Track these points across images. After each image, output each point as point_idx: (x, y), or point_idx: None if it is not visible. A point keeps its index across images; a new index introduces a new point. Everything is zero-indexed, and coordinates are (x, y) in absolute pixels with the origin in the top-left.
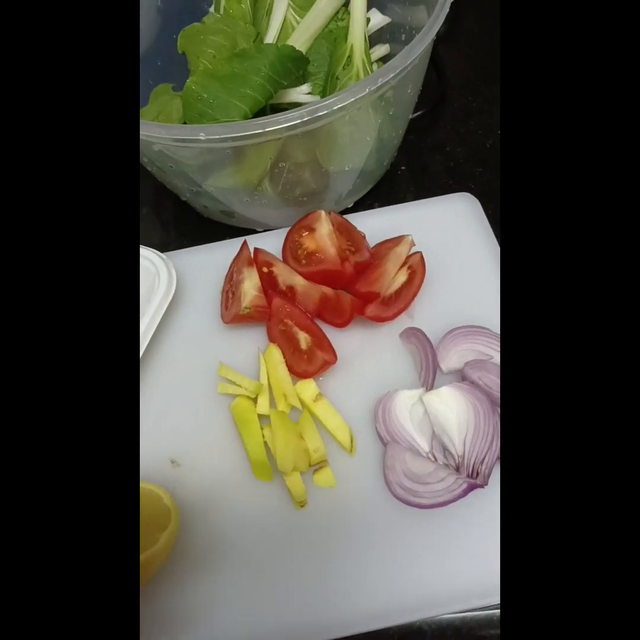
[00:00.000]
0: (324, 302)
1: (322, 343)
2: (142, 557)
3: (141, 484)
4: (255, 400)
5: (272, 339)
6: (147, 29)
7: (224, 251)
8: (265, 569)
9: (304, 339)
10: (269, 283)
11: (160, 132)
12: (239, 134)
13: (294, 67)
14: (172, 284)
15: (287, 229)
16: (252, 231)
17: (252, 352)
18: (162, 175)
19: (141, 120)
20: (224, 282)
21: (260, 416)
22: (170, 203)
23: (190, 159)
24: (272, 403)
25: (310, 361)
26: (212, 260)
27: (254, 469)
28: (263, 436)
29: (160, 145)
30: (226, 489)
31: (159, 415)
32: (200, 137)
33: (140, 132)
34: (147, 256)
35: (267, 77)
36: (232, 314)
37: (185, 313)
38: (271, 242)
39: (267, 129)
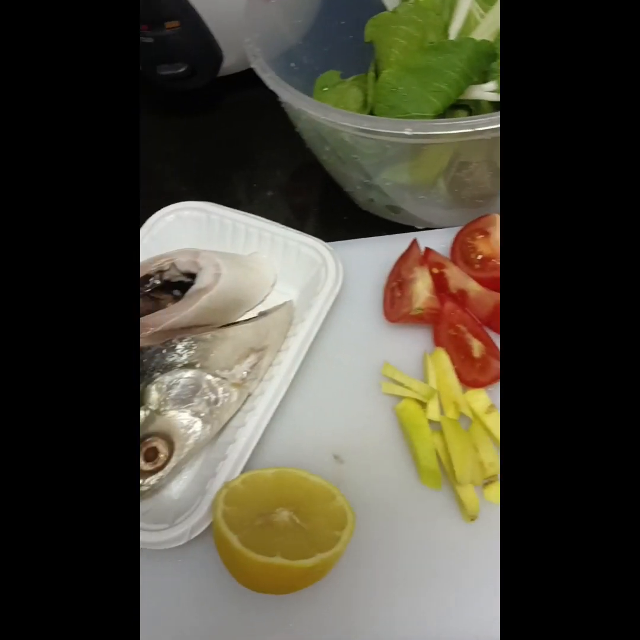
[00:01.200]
0: (497, 311)
1: (495, 352)
2: (323, 556)
3: (313, 478)
4: (422, 404)
5: (439, 343)
6: (308, 12)
7: (387, 246)
8: (429, 578)
9: (477, 346)
10: (438, 285)
11: (360, 123)
12: (449, 132)
13: (486, 63)
14: (339, 276)
15: (451, 229)
16: (412, 228)
17: (415, 354)
18: (337, 165)
19: (334, 108)
20: (388, 278)
21: (429, 422)
22: (330, 192)
23: (371, 151)
24: (441, 409)
25: (482, 370)
26: (374, 254)
27: (423, 475)
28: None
29: (348, 135)
30: (391, 492)
31: (319, 410)
32: (405, 133)
33: (331, 119)
34: (314, 245)
35: (462, 73)
36: (401, 313)
37: (346, 307)
38: (433, 242)
39: (477, 129)
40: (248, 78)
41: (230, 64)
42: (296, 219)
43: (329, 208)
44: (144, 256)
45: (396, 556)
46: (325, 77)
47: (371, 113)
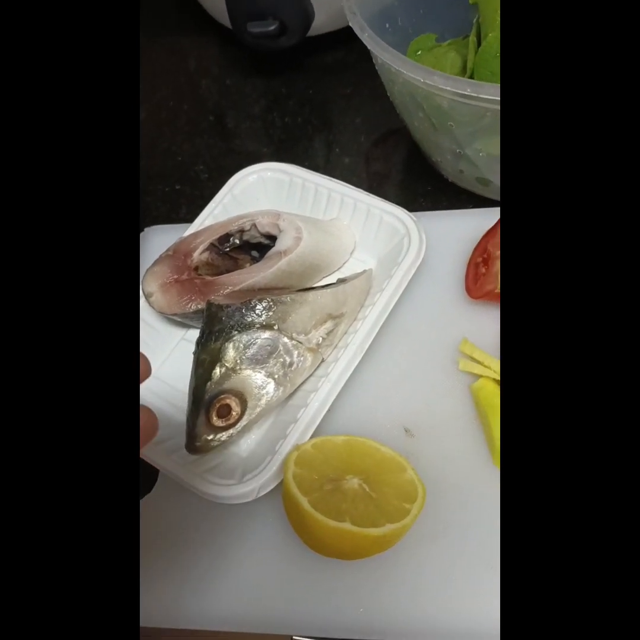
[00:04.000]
0: None
1: None
2: (393, 526)
3: (383, 449)
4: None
5: None
6: None
7: (474, 220)
8: (494, 558)
9: None
10: None
11: (463, 88)
12: None
13: None
14: (422, 248)
15: None
16: (499, 204)
17: (496, 333)
18: (428, 132)
19: (435, 71)
20: (473, 253)
21: None
22: (414, 161)
23: (467, 118)
24: None
25: None
26: (459, 227)
27: (496, 456)
28: None
29: (446, 100)
30: (461, 471)
31: (392, 381)
32: None
33: (431, 82)
34: (397, 214)
35: None
36: (484, 290)
37: (427, 280)
38: None
39: None
40: (335, 39)
41: (319, 23)
42: (377, 187)
43: (412, 177)
44: (224, 215)
45: (463, 535)
46: (420, 40)
47: (471, 79)
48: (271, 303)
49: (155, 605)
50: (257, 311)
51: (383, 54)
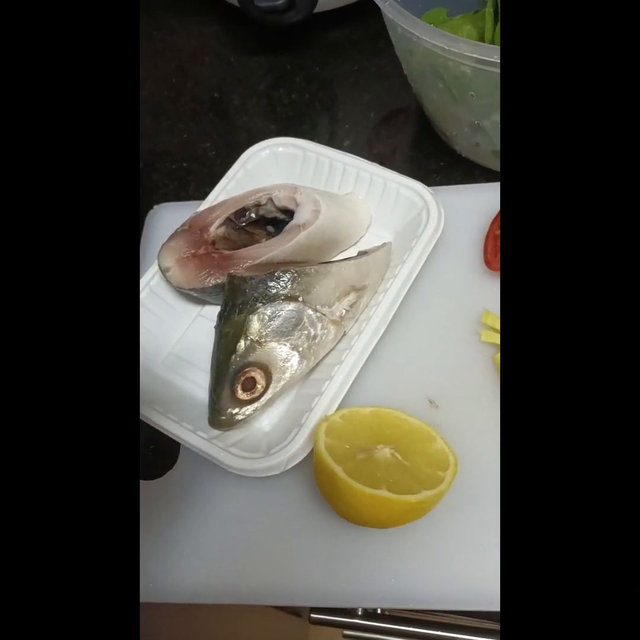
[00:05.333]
0: None
1: None
2: (429, 493)
3: (411, 420)
4: None
5: None
6: None
7: (490, 193)
8: None
9: None
10: None
11: (490, 55)
12: None
13: None
14: (441, 220)
15: None
16: None
17: None
18: (447, 105)
19: (460, 37)
20: (491, 225)
21: None
22: (424, 138)
23: (487, 90)
24: None
25: None
26: (475, 201)
27: None
28: None
29: (470, 68)
30: (486, 442)
31: (415, 354)
32: None
33: (454, 50)
34: (414, 188)
35: None
36: None
37: (445, 253)
38: None
39: None
40: (342, 16)
41: None
42: (387, 163)
43: (424, 154)
44: (237, 190)
45: (492, 505)
46: (431, 15)
47: None
48: (296, 274)
49: (189, 582)
50: (282, 283)
51: (405, 21)
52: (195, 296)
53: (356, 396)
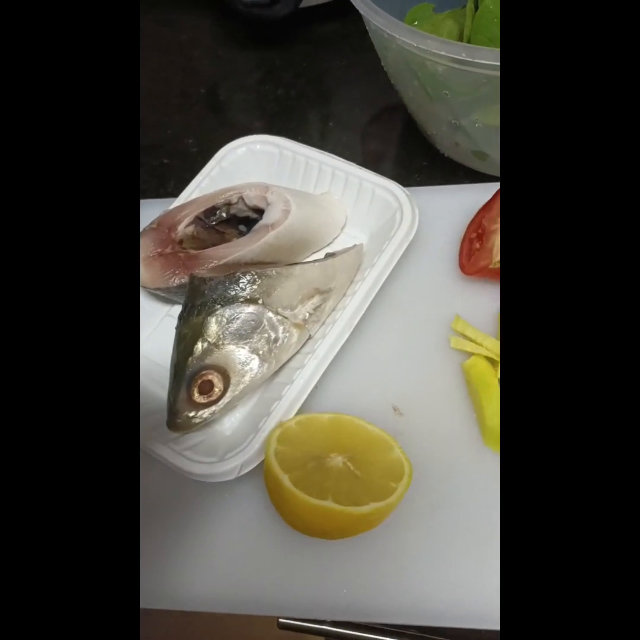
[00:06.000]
0: None
1: None
2: (377, 505)
3: (370, 428)
4: (493, 362)
5: None
6: None
7: (469, 195)
8: (481, 543)
9: None
10: None
11: (458, 53)
12: None
13: None
14: (414, 222)
15: None
16: (496, 179)
17: (490, 310)
18: (424, 103)
19: (429, 34)
20: (468, 228)
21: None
22: (410, 137)
23: (463, 88)
24: None
25: None
26: (453, 202)
27: (487, 436)
28: None
29: (442, 67)
30: (450, 450)
31: (382, 359)
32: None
33: (423, 47)
34: (389, 188)
35: None
36: (478, 266)
37: (420, 256)
38: None
39: None
40: (331, 10)
41: None
42: (372, 162)
43: (408, 153)
44: (211, 188)
45: (450, 516)
46: (417, 10)
47: None
48: (256, 276)
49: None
50: (240, 284)
51: (376, 18)
52: (162, 296)
53: (319, 401)
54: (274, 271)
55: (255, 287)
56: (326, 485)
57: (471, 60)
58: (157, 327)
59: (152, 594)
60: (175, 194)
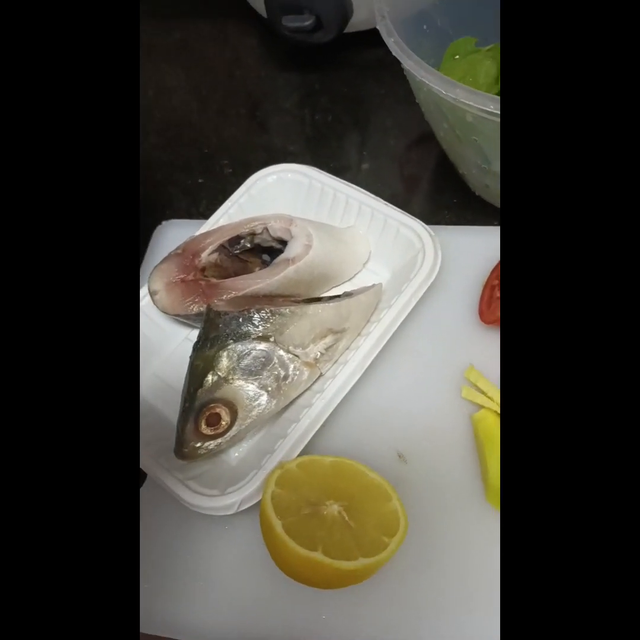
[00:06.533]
0: None
1: None
2: (366, 561)
3: (371, 475)
4: None
5: None
6: None
7: (497, 238)
8: (474, 603)
9: None
10: None
11: (485, 104)
12: None
13: None
14: (436, 265)
15: None
16: None
17: None
18: (454, 144)
19: (460, 83)
20: (490, 275)
21: None
22: (443, 170)
23: (494, 134)
24: None
25: None
26: (480, 245)
27: (489, 494)
28: None
29: (470, 115)
30: (452, 502)
31: (391, 403)
32: None
33: (451, 95)
34: (414, 228)
35: None
36: (496, 315)
37: (440, 298)
38: None
39: None
40: (376, 37)
41: (360, 19)
42: (402, 193)
43: (439, 187)
44: (240, 215)
45: (445, 572)
46: (459, 44)
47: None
48: (269, 314)
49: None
50: (254, 321)
51: (407, 61)
52: (182, 321)
53: (326, 440)
54: (288, 310)
55: (268, 325)
56: (318, 535)
57: (498, 112)
58: (175, 350)
59: (143, 618)
60: (206, 214)
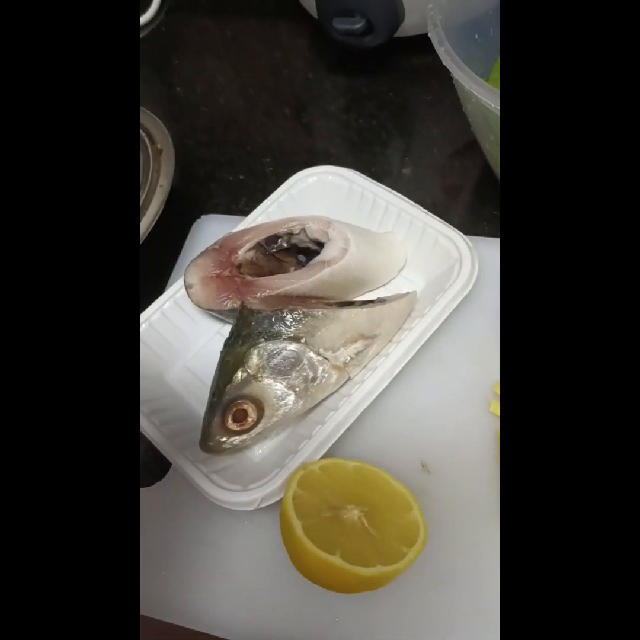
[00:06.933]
0: None
1: None
2: (384, 569)
3: (394, 483)
4: None
5: None
6: None
7: None
8: (494, 615)
9: None
10: None
11: None
12: None
13: None
14: (472, 277)
15: None
16: None
17: None
18: (498, 157)
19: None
20: None
21: None
22: (486, 182)
23: None
24: None
25: None
26: None
27: None
28: None
29: None
30: (472, 518)
31: (418, 412)
32: None
33: (495, 106)
34: (453, 238)
35: None
36: None
37: (474, 310)
38: None
39: None
40: (426, 42)
41: (412, 24)
42: (443, 203)
43: (481, 198)
44: (279, 214)
45: (458, 586)
46: None
47: None
48: (302, 315)
49: (144, 595)
50: (286, 322)
51: (457, 71)
52: (215, 316)
53: (350, 444)
54: (320, 312)
55: (300, 326)
56: (338, 539)
57: None
58: (206, 344)
59: (160, 606)
60: (245, 211)
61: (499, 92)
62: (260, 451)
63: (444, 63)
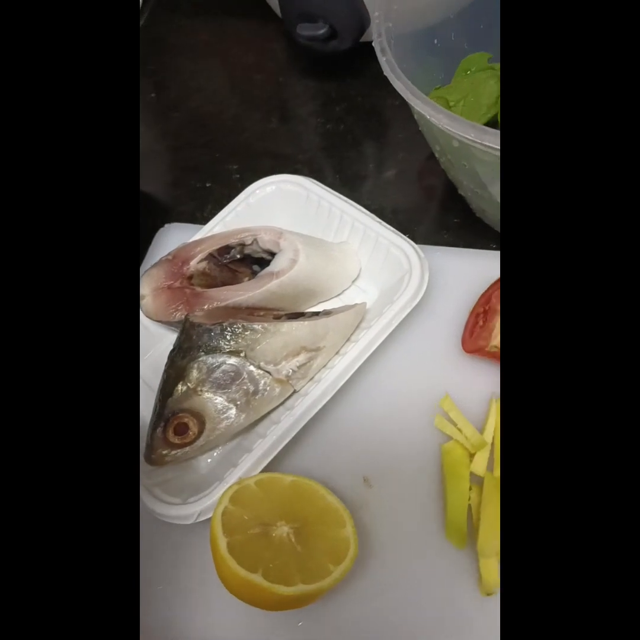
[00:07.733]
0: None
1: None
2: (306, 588)
3: (330, 498)
4: (469, 453)
5: None
6: None
7: (491, 264)
8: (427, 633)
9: None
10: None
11: (467, 132)
12: None
13: None
14: (421, 288)
15: None
16: None
17: (483, 394)
18: (448, 167)
19: (443, 109)
20: (477, 302)
21: (472, 474)
22: (450, 190)
23: (486, 158)
24: (490, 463)
25: None
26: (473, 269)
27: (448, 530)
28: (469, 498)
29: (457, 142)
30: (411, 534)
31: (362, 425)
32: None
33: (435, 121)
34: (404, 248)
35: None
36: (476, 344)
37: (424, 321)
38: None
39: None
40: None
41: None
42: (406, 210)
43: (442, 207)
44: (236, 224)
45: (397, 599)
46: (471, 59)
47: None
48: (241, 329)
49: None
50: (226, 336)
51: (395, 82)
52: (168, 327)
53: (293, 458)
54: (260, 326)
55: (239, 340)
56: (263, 556)
57: (479, 142)
58: (160, 355)
59: None
60: (209, 219)
61: (435, 104)
62: (209, 461)
63: (384, 73)
